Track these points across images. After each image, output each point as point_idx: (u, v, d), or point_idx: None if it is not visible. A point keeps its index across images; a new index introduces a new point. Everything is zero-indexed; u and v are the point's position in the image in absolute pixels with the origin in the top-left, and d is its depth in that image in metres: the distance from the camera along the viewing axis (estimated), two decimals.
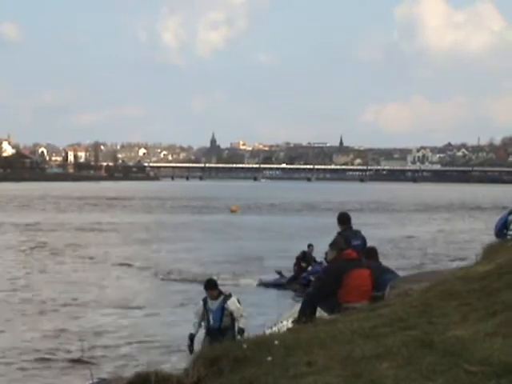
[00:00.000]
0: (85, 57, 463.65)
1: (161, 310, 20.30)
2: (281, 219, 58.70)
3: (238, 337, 10.69)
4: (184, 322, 18.31)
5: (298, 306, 10.51)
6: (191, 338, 11.32)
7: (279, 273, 24.74)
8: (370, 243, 11.68)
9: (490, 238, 12.98)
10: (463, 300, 6.63)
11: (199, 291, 12.48)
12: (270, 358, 5.74)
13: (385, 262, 11.43)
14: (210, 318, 11.27)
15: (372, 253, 10.97)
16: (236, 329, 11.14)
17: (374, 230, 37.67)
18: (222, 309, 11.24)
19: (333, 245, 10.24)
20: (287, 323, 10.11)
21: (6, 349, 15.51)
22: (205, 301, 11.36)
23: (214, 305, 11.29)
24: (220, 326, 11.20)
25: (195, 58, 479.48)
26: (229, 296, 11.39)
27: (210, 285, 11.46)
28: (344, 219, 11.56)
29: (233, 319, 11.18)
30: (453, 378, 4.38)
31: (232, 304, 11.24)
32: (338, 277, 9.72)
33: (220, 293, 11.36)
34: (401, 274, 10.86)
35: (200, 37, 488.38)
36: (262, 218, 59.83)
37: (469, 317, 5.93)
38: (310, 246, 24.42)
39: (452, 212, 73.29)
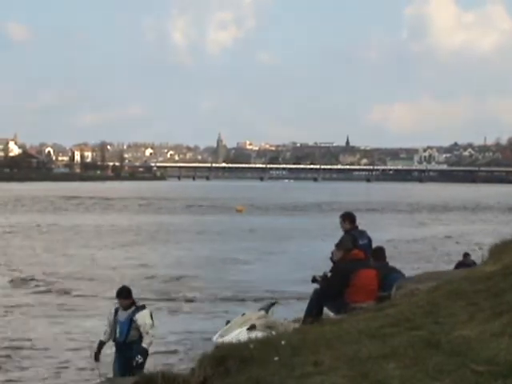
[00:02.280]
0: (92, 56, 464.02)
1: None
2: (285, 220, 58.57)
3: (138, 357, 10.06)
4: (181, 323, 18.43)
5: (252, 313, 10.27)
6: (99, 345, 10.62)
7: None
8: (376, 244, 11.64)
9: (496, 238, 12.95)
10: (469, 300, 6.63)
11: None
12: (276, 358, 5.75)
13: (391, 262, 11.41)
14: (117, 329, 10.43)
15: (379, 253, 10.97)
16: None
17: (381, 231, 37.63)
18: (130, 321, 10.32)
19: (339, 245, 10.25)
20: (241, 331, 9.59)
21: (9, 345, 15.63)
22: (116, 310, 10.54)
23: (122, 316, 10.42)
24: (125, 340, 10.32)
25: (202, 57, 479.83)
26: (141, 308, 10.48)
27: (121, 293, 10.60)
28: (350, 219, 11.53)
29: (141, 334, 10.26)
30: (459, 378, 4.39)
31: (141, 317, 10.30)
32: (345, 277, 9.73)
33: (132, 303, 10.49)
34: (407, 274, 10.85)
35: (208, 36, 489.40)
36: (266, 218, 59.51)
37: (475, 317, 5.93)
38: (466, 254, 20.09)
39: (459, 212, 73.17)
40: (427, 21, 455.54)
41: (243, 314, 9.94)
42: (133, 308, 10.40)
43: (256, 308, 12.03)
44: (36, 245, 36.45)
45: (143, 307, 10.52)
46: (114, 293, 11.06)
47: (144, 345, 10.18)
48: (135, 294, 11.10)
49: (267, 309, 10.53)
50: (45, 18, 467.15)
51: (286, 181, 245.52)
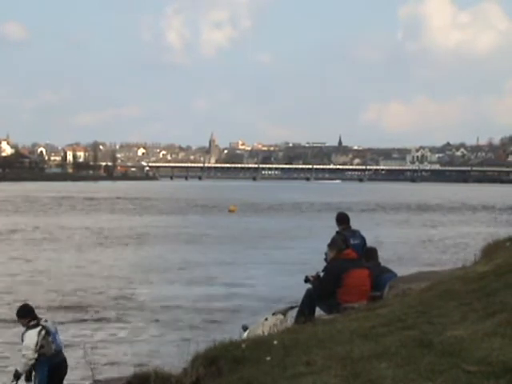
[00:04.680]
0: (86, 56, 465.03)
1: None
2: (277, 221, 58.54)
3: (11, 380, 9.86)
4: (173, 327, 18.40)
5: (274, 317, 10.05)
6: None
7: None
8: (368, 243, 11.62)
9: (488, 238, 12.97)
10: (462, 300, 6.63)
11: None
12: (268, 358, 5.73)
13: (383, 262, 11.40)
14: None
15: (371, 253, 10.95)
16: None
17: (373, 231, 37.65)
18: (22, 340, 10.06)
19: (331, 245, 10.23)
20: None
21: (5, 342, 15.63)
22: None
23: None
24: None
25: (196, 57, 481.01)
26: (31, 327, 9.98)
27: (17, 313, 10.33)
28: (342, 219, 11.52)
29: (39, 354, 9.88)
30: (452, 378, 4.38)
31: (24, 338, 9.95)
32: (337, 276, 9.71)
33: (28, 322, 10.03)
34: (399, 273, 10.84)
35: (202, 36, 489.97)
36: (256, 219, 59.22)
37: (468, 317, 5.92)
38: None
39: (449, 212, 73.29)
40: (423, 20, 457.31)
41: (266, 319, 9.75)
42: (25, 328, 10.08)
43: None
44: None
45: (34, 326, 9.99)
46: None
47: (17, 367, 9.97)
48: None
49: (285, 312, 10.29)
50: (41, 18, 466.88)
51: (337, 181, 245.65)
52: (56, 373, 10.04)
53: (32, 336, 9.84)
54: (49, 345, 9.95)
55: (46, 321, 10.26)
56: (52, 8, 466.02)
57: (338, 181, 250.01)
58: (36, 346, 9.81)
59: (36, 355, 9.82)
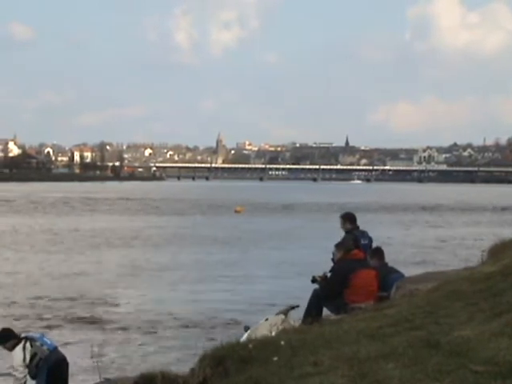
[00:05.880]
0: (93, 56, 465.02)
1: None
2: (284, 221, 58.44)
3: None
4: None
5: (275, 317, 9.98)
6: None
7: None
8: (377, 244, 11.60)
9: (495, 238, 12.94)
10: (469, 300, 6.62)
11: None
12: (275, 358, 5.73)
13: (391, 262, 11.39)
14: None
15: (378, 253, 10.94)
16: None
17: (379, 232, 37.60)
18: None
19: (339, 245, 10.24)
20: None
21: None
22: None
23: None
24: None
25: (202, 57, 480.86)
26: (15, 346, 9.80)
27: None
28: (350, 219, 11.49)
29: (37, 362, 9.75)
30: (459, 378, 4.38)
31: (14, 355, 9.77)
32: (345, 277, 9.72)
33: (14, 345, 9.79)
34: (406, 274, 10.83)
35: (209, 36, 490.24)
36: (263, 219, 59.15)
37: (475, 317, 5.92)
38: None
39: (456, 212, 73.15)
40: (431, 21, 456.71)
41: (266, 319, 9.73)
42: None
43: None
44: None
45: (17, 345, 9.79)
46: None
47: None
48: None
49: (286, 312, 10.25)
50: (45, 17, 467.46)
51: (358, 181, 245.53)
52: (56, 371, 9.93)
53: (17, 354, 9.74)
54: (40, 349, 9.86)
55: (26, 332, 10.21)
56: (55, 8, 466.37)
57: (358, 181, 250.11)
58: (24, 361, 9.72)
59: (26, 371, 9.74)
